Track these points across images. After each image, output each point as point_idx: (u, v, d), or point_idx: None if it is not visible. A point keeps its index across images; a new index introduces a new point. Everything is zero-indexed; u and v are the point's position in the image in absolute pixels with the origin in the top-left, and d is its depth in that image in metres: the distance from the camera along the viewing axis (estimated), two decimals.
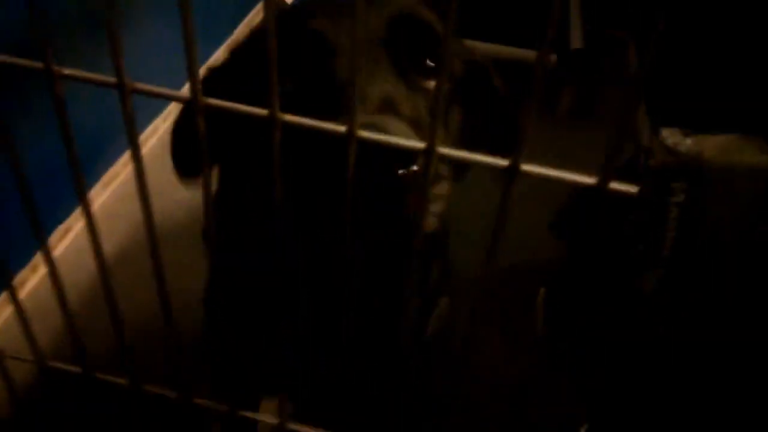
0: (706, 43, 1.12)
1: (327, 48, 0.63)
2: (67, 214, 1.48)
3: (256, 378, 0.83)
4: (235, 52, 0.75)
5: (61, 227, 1.47)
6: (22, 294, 1.38)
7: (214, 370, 0.82)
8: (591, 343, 1.22)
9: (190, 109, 0.31)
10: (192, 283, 0.91)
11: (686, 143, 1.03)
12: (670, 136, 1.04)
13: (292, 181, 0.53)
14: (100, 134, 1.51)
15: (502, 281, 1.31)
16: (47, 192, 1.30)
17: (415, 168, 0.52)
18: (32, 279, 1.39)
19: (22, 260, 1.38)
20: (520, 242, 1.38)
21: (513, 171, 0.28)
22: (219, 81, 0.73)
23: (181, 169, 0.75)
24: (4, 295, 1.31)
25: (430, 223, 0.59)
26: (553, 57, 1.86)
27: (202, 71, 0.73)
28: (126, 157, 1.66)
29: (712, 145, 1.03)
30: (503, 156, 0.29)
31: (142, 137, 1.72)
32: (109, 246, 1.44)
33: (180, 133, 0.75)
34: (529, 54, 1.87)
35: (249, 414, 0.41)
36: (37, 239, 0.39)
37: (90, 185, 1.56)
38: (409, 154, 0.51)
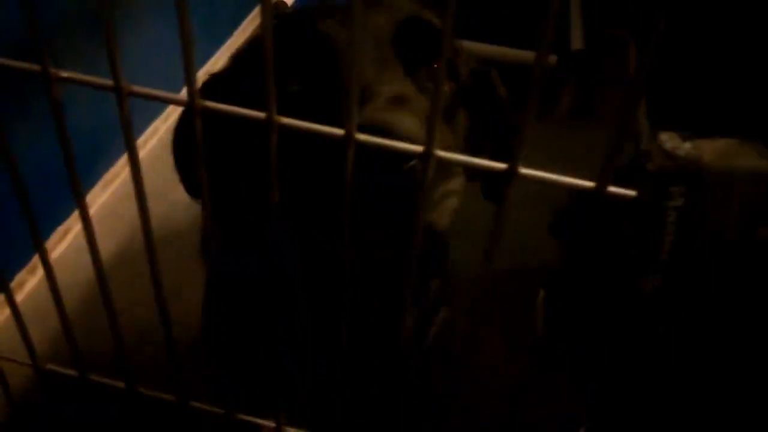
0: (706, 44, 1.12)
1: (334, 49, 0.63)
2: (66, 214, 1.48)
3: (255, 384, 0.83)
4: (236, 58, 0.75)
5: (61, 228, 1.47)
6: (21, 296, 1.38)
7: (212, 374, 0.81)
8: (591, 344, 1.22)
9: (188, 112, 0.31)
10: (191, 284, 0.91)
11: (685, 147, 1.03)
12: (668, 140, 1.04)
13: (294, 184, 0.53)
14: (101, 134, 1.51)
15: (501, 282, 1.31)
16: (47, 193, 1.30)
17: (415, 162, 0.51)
18: (31, 281, 1.39)
19: (21, 262, 1.38)
20: (519, 243, 1.38)
21: (511, 174, 0.28)
22: (220, 86, 0.73)
23: (185, 179, 0.75)
24: (2, 297, 1.31)
25: (444, 220, 0.58)
26: (553, 57, 1.86)
27: (203, 75, 0.73)
28: (126, 157, 1.65)
29: (710, 149, 1.03)
30: (503, 161, 0.29)
31: (142, 138, 1.72)
32: (109, 246, 1.44)
33: (181, 141, 0.75)
34: (528, 55, 1.87)
35: (246, 417, 0.41)
36: (34, 243, 0.38)
37: (90, 185, 1.55)
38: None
